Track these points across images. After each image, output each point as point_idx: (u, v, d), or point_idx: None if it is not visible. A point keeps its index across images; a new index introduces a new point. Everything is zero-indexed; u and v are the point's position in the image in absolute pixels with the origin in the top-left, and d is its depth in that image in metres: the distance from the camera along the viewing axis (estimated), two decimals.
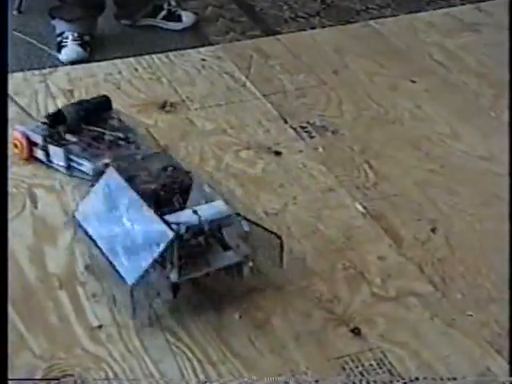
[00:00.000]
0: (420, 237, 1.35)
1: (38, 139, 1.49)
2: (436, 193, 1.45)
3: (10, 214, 1.38)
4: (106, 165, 1.30)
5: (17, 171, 1.49)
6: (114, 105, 1.58)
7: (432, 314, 1.19)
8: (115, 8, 2.71)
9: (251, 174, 1.50)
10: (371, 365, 1.11)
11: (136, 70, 1.86)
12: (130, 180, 1.22)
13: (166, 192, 1.21)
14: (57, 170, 1.49)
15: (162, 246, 1.12)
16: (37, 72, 1.86)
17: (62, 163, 1.47)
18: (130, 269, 1.14)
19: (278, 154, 1.57)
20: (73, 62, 2.33)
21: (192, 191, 1.22)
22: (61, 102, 1.71)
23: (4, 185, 1.26)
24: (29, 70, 1.95)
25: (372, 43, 2.01)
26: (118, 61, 1.92)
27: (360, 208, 1.42)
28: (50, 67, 2.00)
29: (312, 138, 1.62)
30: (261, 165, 1.53)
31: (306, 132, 1.64)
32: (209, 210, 1.17)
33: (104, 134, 1.50)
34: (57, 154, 1.47)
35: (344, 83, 1.83)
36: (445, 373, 1.09)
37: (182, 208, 1.19)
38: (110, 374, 1.09)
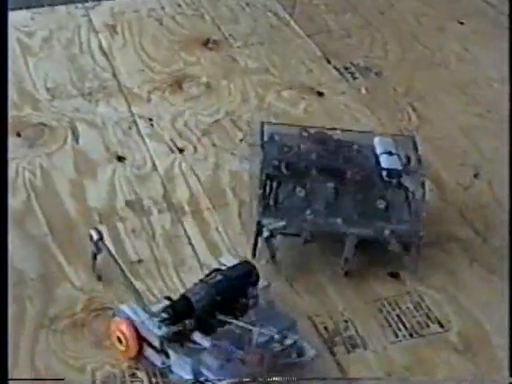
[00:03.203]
0: (462, 182, 1.33)
1: (153, 339, 0.98)
2: (481, 138, 1.43)
3: (52, 148, 1.39)
4: None
5: (59, 105, 1.49)
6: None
7: (472, 259, 1.19)
8: None
9: (293, 115, 1.48)
10: (408, 308, 1.11)
11: (179, 5, 1.84)
12: None
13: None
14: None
15: None
16: (80, 5, 1.85)
17: (188, 376, 0.97)
18: None
19: (320, 94, 1.55)
20: None
21: None
22: (103, 37, 1.70)
23: (4, 182, 1.21)
24: (72, 2, 1.93)
25: None
26: None
27: None
28: (93, 1, 1.99)
29: (355, 79, 1.60)
30: (303, 105, 1.52)
31: (349, 73, 1.62)
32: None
33: (251, 331, 0.97)
34: (181, 363, 0.97)
35: (390, 24, 1.79)
36: (483, 319, 1.09)
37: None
38: None
